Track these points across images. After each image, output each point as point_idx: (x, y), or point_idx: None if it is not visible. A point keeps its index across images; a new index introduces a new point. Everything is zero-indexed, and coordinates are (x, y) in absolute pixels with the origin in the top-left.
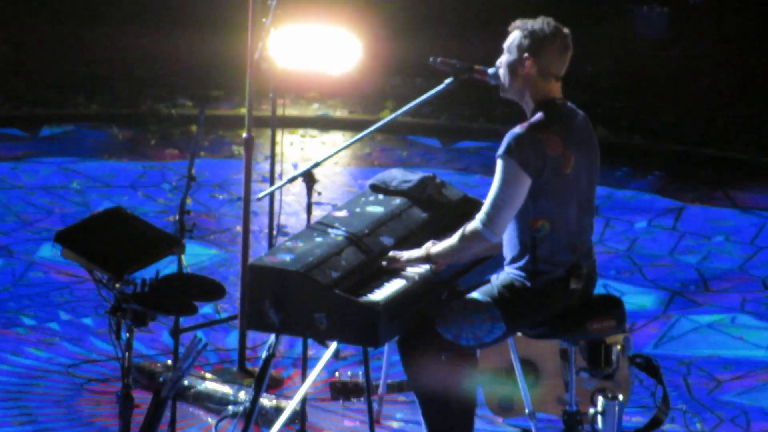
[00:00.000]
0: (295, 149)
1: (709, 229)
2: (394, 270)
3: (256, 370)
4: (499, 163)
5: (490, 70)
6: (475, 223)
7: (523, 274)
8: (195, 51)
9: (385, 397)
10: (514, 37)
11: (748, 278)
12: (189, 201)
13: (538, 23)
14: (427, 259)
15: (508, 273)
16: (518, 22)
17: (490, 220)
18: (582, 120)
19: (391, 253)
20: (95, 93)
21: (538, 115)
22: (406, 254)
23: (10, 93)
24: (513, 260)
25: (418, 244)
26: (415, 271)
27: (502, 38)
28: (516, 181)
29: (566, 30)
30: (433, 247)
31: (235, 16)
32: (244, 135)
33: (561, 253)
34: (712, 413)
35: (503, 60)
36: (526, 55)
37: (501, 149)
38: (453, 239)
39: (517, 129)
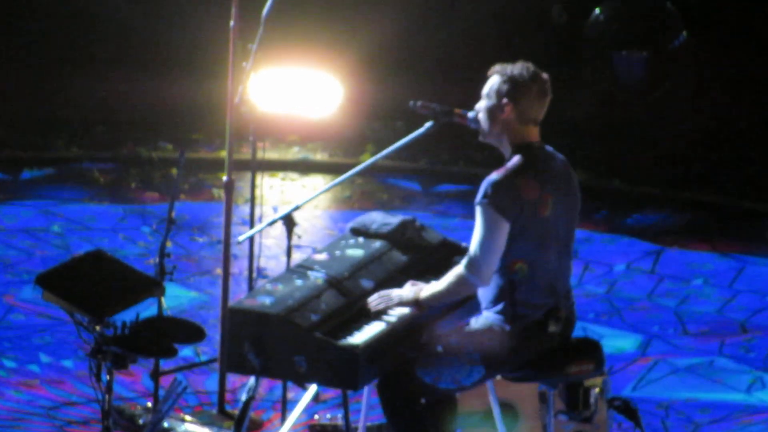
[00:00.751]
0: (275, 192)
1: (687, 272)
2: (376, 312)
3: (236, 412)
4: (478, 210)
5: (470, 114)
6: (461, 271)
7: (501, 317)
8: (175, 94)
9: None
10: (494, 82)
11: (726, 322)
12: (169, 244)
13: (518, 68)
14: (416, 302)
15: (486, 317)
16: (497, 67)
17: (476, 267)
18: (561, 163)
19: (382, 292)
20: (76, 136)
21: (515, 160)
22: (395, 296)
23: None
24: (491, 303)
25: (399, 287)
26: (395, 313)
27: (481, 82)
28: (495, 227)
29: (545, 75)
30: (422, 291)
31: (216, 59)
32: (224, 178)
33: (539, 296)
34: None
35: (482, 105)
36: (505, 100)
37: (478, 196)
38: (441, 285)
39: (494, 175)
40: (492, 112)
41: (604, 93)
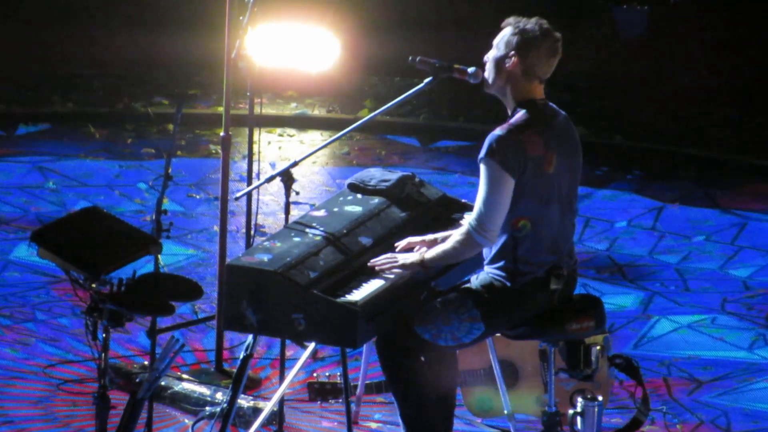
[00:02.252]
0: (273, 148)
1: (689, 229)
2: (378, 270)
3: (234, 370)
4: (482, 167)
5: (470, 70)
6: (467, 230)
7: (503, 274)
8: (172, 49)
9: (363, 398)
10: (505, 33)
11: (728, 278)
12: (166, 200)
13: (531, 23)
14: (421, 264)
15: (487, 273)
16: (512, 19)
17: (482, 225)
18: (563, 120)
19: (382, 258)
20: (71, 92)
21: (519, 115)
22: (400, 259)
23: None
24: (493, 260)
25: (398, 240)
26: (396, 272)
27: (481, 38)
28: (500, 183)
29: (557, 34)
30: (428, 252)
31: (212, 14)
32: (222, 134)
33: (541, 254)
34: (693, 414)
35: (490, 55)
36: (512, 52)
37: (482, 152)
38: (447, 246)
39: (497, 131)
40: (499, 62)
41: (604, 48)
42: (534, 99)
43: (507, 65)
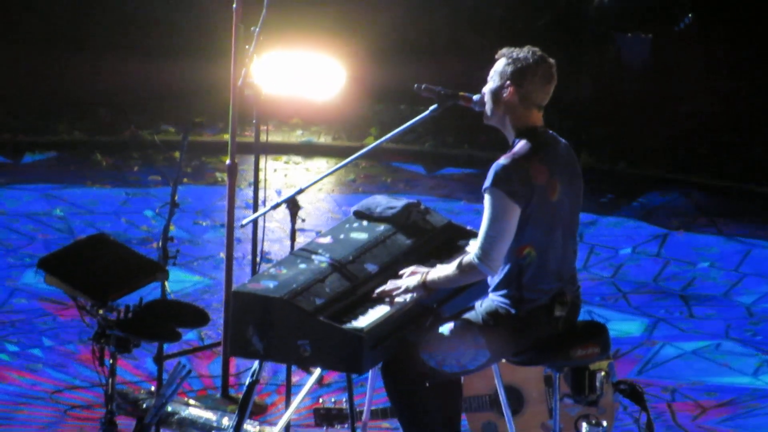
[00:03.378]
0: (279, 176)
1: (693, 255)
2: (383, 296)
3: (240, 396)
4: (487, 197)
5: (475, 97)
6: (471, 258)
7: (507, 301)
8: (178, 77)
9: (369, 424)
10: (499, 64)
11: (732, 305)
12: (172, 228)
13: (524, 52)
14: (423, 288)
15: (492, 300)
16: (504, 50)
17: (486, 255)
18: (564, 147)
19: (389, 283)
20: (78, 120)
21: (521, 144)
22: (401, 284)
23: None
24: (498, 287)
25: (403, 269)
26: (401, 297)
27: (486, 65)
28: (506, 213)
29: (551, 60)
30: (430, 275)
31: (219, 42)
32: (228, 161)
33: (546, 281)
34: None
35: (487, 87)
36: (508, 82)
37: (487, 182)
38: (449, 270)
39: (502, 160)
40: (495, 93)
41: (608, 75)
42: (535, 127)
43: (504, 95)
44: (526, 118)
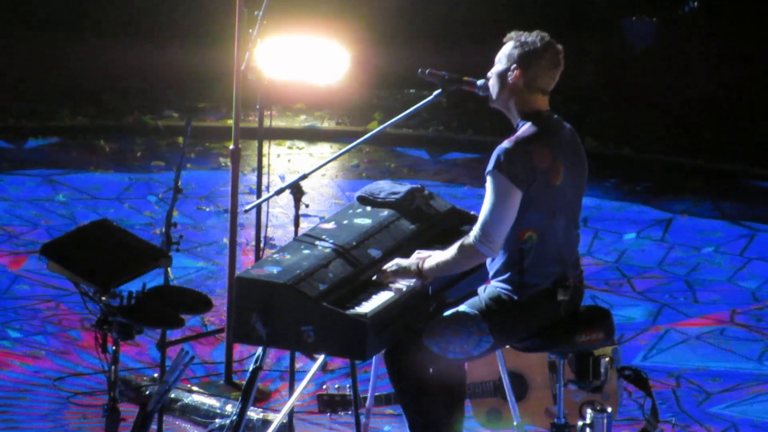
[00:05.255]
0: (283, 161)
1: (698, 240)
2: (383, 282)
3: (243, 383)
4: (489, 180)
5: (479, 82)
6: (470, 241)
7: (509, 287)
8: (181, 62)
9: (372, 410)
10: (506, 47)
11: (737, 290)
12: (175, 213)
13: (532, 36)
14: (418, 273)
15: (494, 286)
16: (513, 34)
17: (487, 237)
18: (568, 131)
19: (384, 267)
20: (81, 105)
21: (525, 128)
22: (398, 268)
23: None
24: (499, 272)
25: (406, 256)
26: (403, 283)
27: (491, 50)
28: (507, 196)
29: (559, 46)
30: (426, 261)
31: (222, 27)
32: (231, 147)
33: (548, 265)
34: (702, 426)
35: (494, 70)
36: (514, 65)
37: (490, 165)
38: (447, 255)
39: (505, 144)
40: (501, 76)
41: (612, 59)
42: (539, 111)
43: (510, 79)
44: (530, 102)
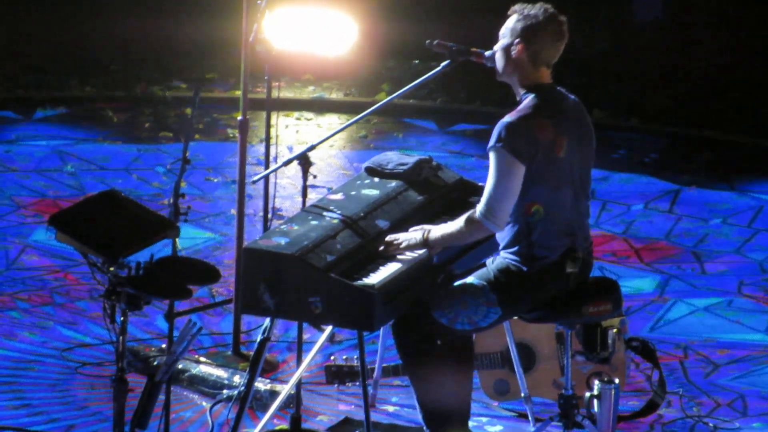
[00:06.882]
0: (290, 132)
1: (706, 211)
2: (390, 254)
3: (251, 353)
4: (492, 156)
5: (487, 53)
6: (477, 216)
7: (518, 258)
8: (189, 33)
9: (380, 381)
10: (510, 21)
11: (745, 261)
12: (183, 184)
13: (535, 9)
14: (424, 244)
15: (503, 257)
16: (517, 6)
17: (492, 212)
18: (573, 103)
19: (388, 237)
20: (89, 75)
21: (527, 101)
22: (403, 239)
23: (3, 76)
24: (508, 245)
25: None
26: (411, 254)
27: (499, 21)
28: (511, 171)
29: (562, 18)
30: (432, 232)
31: None
32: (239, 118)
33: (556, 238)
34: (709, 397)
35: (498, 44)
36: (517, 40)
37: (492, 141)
38: (453, 227)
39: (507, 118)
40: (506, 51)
41: (621, 30)
42: (541, 84)
43: (513, 53)
44: (534, 75)
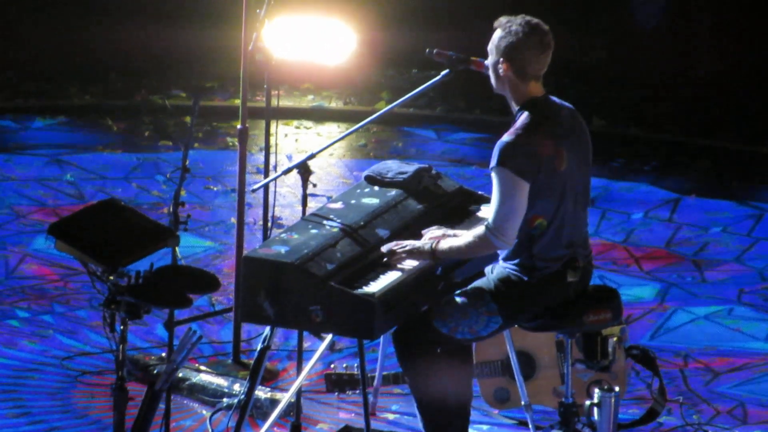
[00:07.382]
0: (290, 141)
1: (706, 220)
2: (393, 261)
3: (251, 362)
4: (495, 176)
5: (487, 62)
6: (485, 232)
7: (519, 269)
8: (189, 42)
9: (380, 389)
10: (494, 37)
11: (745, 270)
12: (183, 193)
13: (516, 23)
14: (432, 255)
15: (503, 267)
16: (502, 19)
17: (501, 231)
18: (568, 112)
19: (393, 244)
20: (89, 84)
21: (522, 118)
22: (409, 247)
23: (2, 84)
24: (509, 257)
25: (414, 236)
26: (411, 263)
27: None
28: (515, 190)
29: (545, 28)
30: (440, 244)
31: (229, 6)
32: (239, 126)
33: (557, 249)
34: (709, 405)
35: (488, 60)
36: (501, 59)
37: (493, 161)
38: (462, 241)
39: (506, 137)
40: (494, 68)
41: (620, 37)
42: (534, 98)
43: (500, 71)
44: (524, 90)
